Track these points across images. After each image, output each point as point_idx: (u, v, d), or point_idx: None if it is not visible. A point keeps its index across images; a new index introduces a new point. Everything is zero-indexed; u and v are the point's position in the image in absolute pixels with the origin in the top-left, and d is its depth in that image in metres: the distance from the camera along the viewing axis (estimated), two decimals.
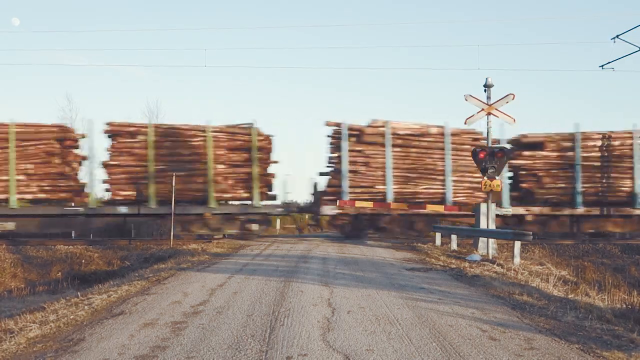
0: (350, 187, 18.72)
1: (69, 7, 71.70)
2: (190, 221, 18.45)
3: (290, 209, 20.45)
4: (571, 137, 19.51)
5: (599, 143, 19.57)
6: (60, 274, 15.14)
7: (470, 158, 16.02)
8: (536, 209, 19.22)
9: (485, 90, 14.87)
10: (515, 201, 19.42)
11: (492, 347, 5.15)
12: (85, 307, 7.26)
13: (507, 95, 14.66)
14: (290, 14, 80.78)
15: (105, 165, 18.44)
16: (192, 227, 18.57)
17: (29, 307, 8.29)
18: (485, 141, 15.76)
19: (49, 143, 18.16)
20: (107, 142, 18.57)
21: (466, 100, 14.93)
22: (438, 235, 16.59)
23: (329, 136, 19.26)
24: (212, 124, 18.83)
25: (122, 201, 18.38)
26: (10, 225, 17.81)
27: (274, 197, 19.76)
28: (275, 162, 19.55)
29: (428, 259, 12.89)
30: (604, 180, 19.59)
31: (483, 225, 14.85)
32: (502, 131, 19.06)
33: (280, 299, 7.40)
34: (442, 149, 19.19)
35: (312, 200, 20.06)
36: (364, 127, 18.96)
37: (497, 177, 14.15)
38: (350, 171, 18.73)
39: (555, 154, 19.57)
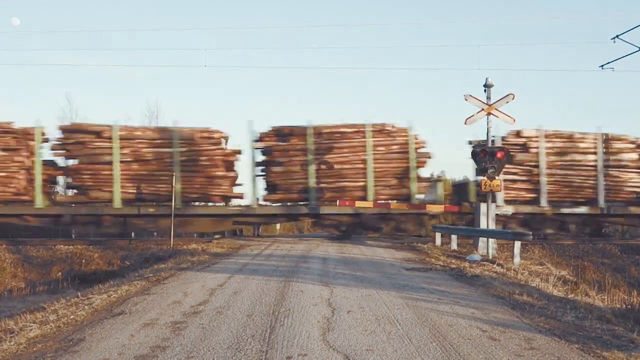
0: None
1: (69, 7, 71.72)
2: None
3: None
4: None
5: None
6: (60, 274, 15.11)
7: None
8: None
9: (485, 90, 14.86)
10: None
11: (492, 347, 5.15)
12: (86, 307, 7.27)
13: (507, 95, 14.65)
14: (290, 14, 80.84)
15: None
16: None
17: (29, 307, 8.30)
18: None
19: None
20: None
21: (466, 100, 14.91)
22: (438, 235, 16.56)
23: None
24: None
25: None
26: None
27: None
28: None
29: (428, 258, 12.89)
30: None
31: (483, 225, 14.84)
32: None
33: (280, 299, 7.40)
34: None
35: None
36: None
37: (497, 177, 14.13)
38: None
39: None
